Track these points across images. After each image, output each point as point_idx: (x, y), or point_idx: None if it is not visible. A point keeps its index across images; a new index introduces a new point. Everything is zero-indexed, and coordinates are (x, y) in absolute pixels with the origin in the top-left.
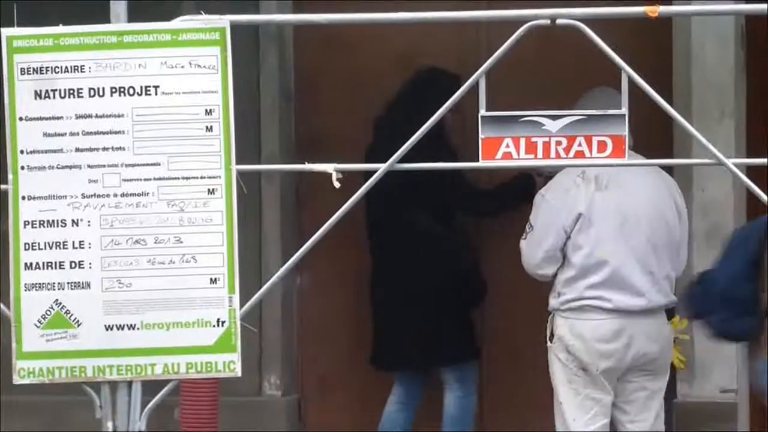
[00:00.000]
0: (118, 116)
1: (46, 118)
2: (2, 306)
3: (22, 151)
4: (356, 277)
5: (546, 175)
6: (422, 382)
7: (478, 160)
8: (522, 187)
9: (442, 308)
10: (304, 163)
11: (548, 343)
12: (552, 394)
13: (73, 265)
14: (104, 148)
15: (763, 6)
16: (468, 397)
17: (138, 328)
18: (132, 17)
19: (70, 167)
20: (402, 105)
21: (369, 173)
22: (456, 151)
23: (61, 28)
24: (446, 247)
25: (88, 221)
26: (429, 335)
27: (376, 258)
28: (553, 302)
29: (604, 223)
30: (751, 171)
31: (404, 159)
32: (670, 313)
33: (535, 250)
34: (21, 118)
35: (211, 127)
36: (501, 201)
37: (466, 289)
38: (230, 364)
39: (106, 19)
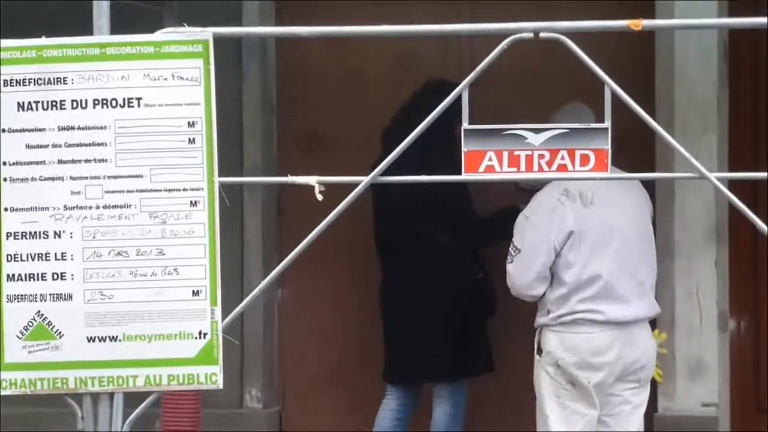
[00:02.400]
0: (101, 128)
1: (29, 130)
2: None
3: (5, 163)
4: (339, 291)
5: (528, 189)
6: (417, 395)
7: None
8: (510, 218)
9: (457, 321)
10: (287, 176)
11: (536, 357)
12: (531, 411)
13: (55, 276)
14: (87, 160)
15: (746, 20)
16: (459, 413)
17: (120, 340)
18: (114, 29)
19: (53, 179)
20: (409, 117)
21: (377, 186)
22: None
23: (43, 40)
24: (458, 260)
25: (71, 233)
26: (447, 348)
27: (387, 272)
28: (542, 319)
29: (594, 238)
30: (733, 185)
31: (412, 171)
32: (650, 325)
33: (525, 271)
34: (4, 130)
35: (194, 139)
36: (492, 230)
37: (478, 302)
38: (212, 376)
39: (89, 32)
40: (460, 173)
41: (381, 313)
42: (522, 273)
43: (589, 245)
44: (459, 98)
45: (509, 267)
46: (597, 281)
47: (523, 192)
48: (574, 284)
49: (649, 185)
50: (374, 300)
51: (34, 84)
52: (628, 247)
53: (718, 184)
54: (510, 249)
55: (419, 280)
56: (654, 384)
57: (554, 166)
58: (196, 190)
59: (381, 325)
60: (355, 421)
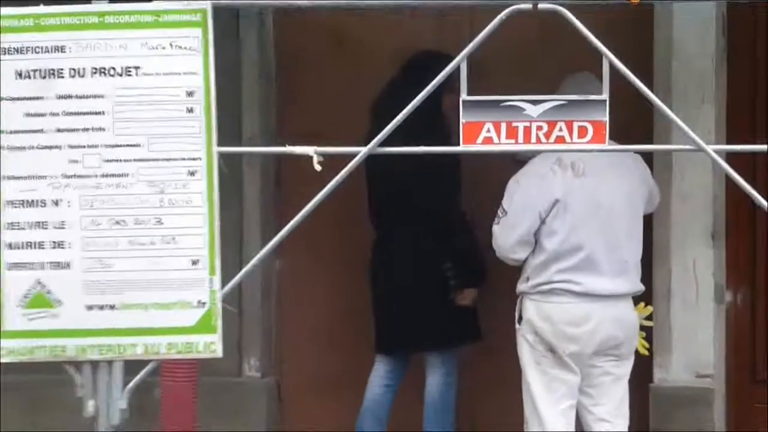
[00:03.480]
0: (99, 97)
1: (28, 98)
2: None
3: (3, 132)
4: (337, 260)
5: (524, 160)
6: (407, 364)
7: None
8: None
9: (444, 293)
10: (285, 146)
11: (516, 326)
12: (517, 380)
13: (54, 245)
14: (85, 129)
15: None
16: (451, 380)
17: (119, 309)
18: None
19: (51, 147)
20: (399, 90)
21: (369, 158)
22: (452, 137)
23: (41, 8)
24: (448, 226)
25: (69, 201)
26: (437, 318)
27: (380, 233)
28: (522, 286)
29: (580, 209)
30: (731, 158)
31: (399, 142)
32: (635, 299)
33: (508, 234)
34: (3, 99)
35: (192, 108)
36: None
37: (465, 271)
38: (211, 345)
39: (87, 0)
40: (447, 141)
41: (370, 283)
42: (505, 235)
43: (574, 216)
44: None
45: (495, 228)
46: (578, 252)
47: (520, 164)
48: (554, 253)
49: (646, 157)
50: (364, 270)
51: (33, 52)
52: (616, 223)
53: (716, 156)
54: (498, 211)
55: (406, 254)
56: (650, 355)
57: (552, 138)
58: (195, 159)
59: (370, 297)
60: (350, 388)
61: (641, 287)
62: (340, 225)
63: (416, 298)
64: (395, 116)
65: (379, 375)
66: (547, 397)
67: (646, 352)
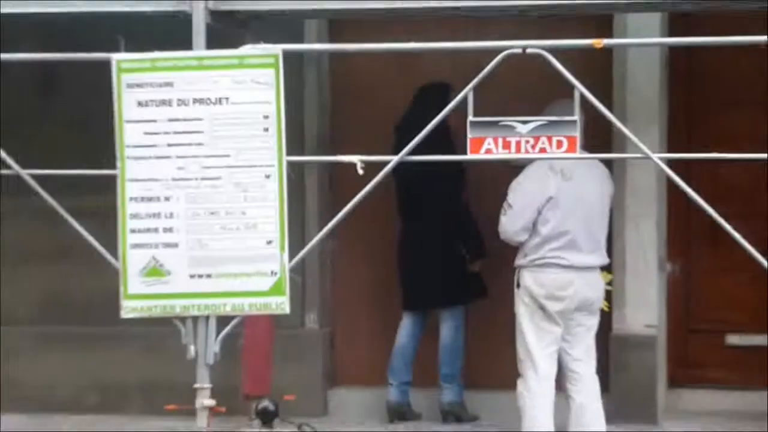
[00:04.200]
0: (198, 120)
1: (145, 121)
2: (113, 259)
3: (128, 146)
4: (375, 242)
5: (516, 165)
6: (426, 319)
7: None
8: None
9: (456, 261)
10: (337, 156)
11: (515, 290)
12: (512, 332)
13: (165, 230)
14: (188, 144)
15: (683, 39)
16: (460, 332)
17: (213, 277)
18: (209, 46)
19: (163, 158)
20: (416, 113)
21: (396, 166)
22: (456, 148)
23: (156, 54)
24: (461, 205)
25: (177, 198)
26: (447, 283)
27: (405, 221)
28: (520, 261)
29: (567, 204)
30: (671, 164)
31: (417, 154)
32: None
33: (514, 222)
34: (127, 121)
35: (267, 128)
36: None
37: (473, 246)
38: (281, 304)
39: (189, 47)
40: (453, 150)
41: (398, 258)
42: (512, 223)
43: (563, 209)
44: (450, 97)
45: (503, 218)
46: (565, 236)
47: (515, 169)
48: (547, 236)
49: (608, 163)
50: (395, 248)
51: (149, 87)
52: (591, 214)
53: (660, 162)
54: (504, 205)
55: (425, 237)
56: (610, 311)
57: (537, 149)
58: (269, 166)
59: (398, 268)
60: (384, 337)
61: (607, 260)
62: (376, 215)
63: (432, 268)
64: (413, 133)
65: (406, 327)
66: (537, 344)
67: (607, 309)
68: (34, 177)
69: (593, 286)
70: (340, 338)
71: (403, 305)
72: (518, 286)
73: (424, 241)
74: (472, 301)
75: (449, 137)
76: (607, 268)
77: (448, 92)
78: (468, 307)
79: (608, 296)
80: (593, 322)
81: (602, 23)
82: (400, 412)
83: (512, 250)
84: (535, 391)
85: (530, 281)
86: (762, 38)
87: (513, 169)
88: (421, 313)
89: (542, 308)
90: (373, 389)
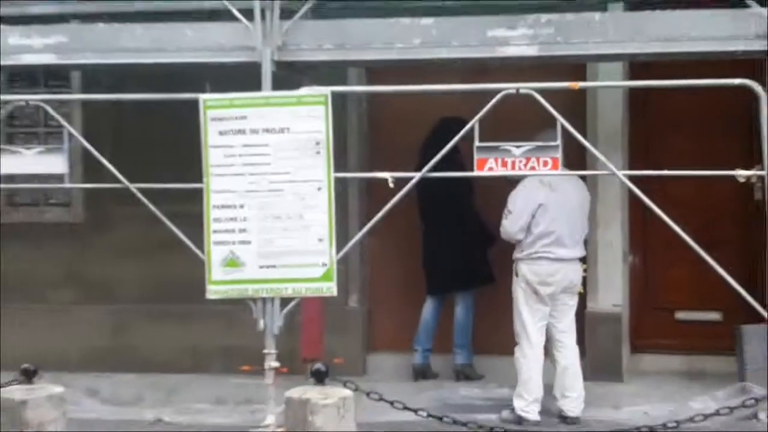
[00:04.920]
0: (266, 145)
1: (225, 146)
2: (200, 253)
3: (212, 165)
4: (403, 239)
5: (512, 180)
6: (444, 301)
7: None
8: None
9: (467, 255)
10: (373, 172)
11: (514, 278)
12: (511, 310)
13: (240, 230)
14: (258, 164)
15: (642, 82)
16: (470, 310)
17: (277, 267)
18: (275, 87)
19: (238, 174)
20: (435, 139)
21: (419, 180)
22: (464, 166)
23: (233, 94)
24: (470, 211)
25: (249, 206)
26: (461, 272)
27: (426, 224)
28: (518, 255)
29: (553, 209)
30: (632, 180)
31: (434, 170)
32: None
33: (514, 224)
34: (211, 146)
35: (319, 151)
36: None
37: (482, 240)
38: (330, 288)
39: (259, 88)
40: (462, 167)
41: (422, 253)
42: (512, 225)
43: (550, 213)
44: (459, 127)
45: (504, 222)
46: (552, 234)
47: (511, 182)
48: (538, 235)
49: (583, 178)
50: (419, 245)
51: (228, 119)
52: (572, 217)
53: (623, 178)
54: (505, 211)
55: (444, 236)
56: (585, 294)
57: (528, 167)
58: (320, 180)
59: (422, 260)
60: (411, 314)
61: (585, 253)
62: (404, 219)
63: (449, 261)
64: (432, 155)
65: (429, 308)
66: (531, 320)
67: (582, 292)
68: (140, 189)
69: (574, 273)
70: (375, 315)
71: (427, 289)
72: (516, 275)
73: (442, 239)
74: (480, 286)
75: (460, 158)
76: (582, 260)
77: (461, 124)
78: (476, 291)
79: (583, 282)
80: (574, 302)
81: (578, 70)
82: (422, 372)
83: (510, 246)
84: (529, 356)
85: (526, 270)
86: (699, 82)
87: (510, 182)
88: (440, 295)
89: (536, 292)
90: (402, 354)
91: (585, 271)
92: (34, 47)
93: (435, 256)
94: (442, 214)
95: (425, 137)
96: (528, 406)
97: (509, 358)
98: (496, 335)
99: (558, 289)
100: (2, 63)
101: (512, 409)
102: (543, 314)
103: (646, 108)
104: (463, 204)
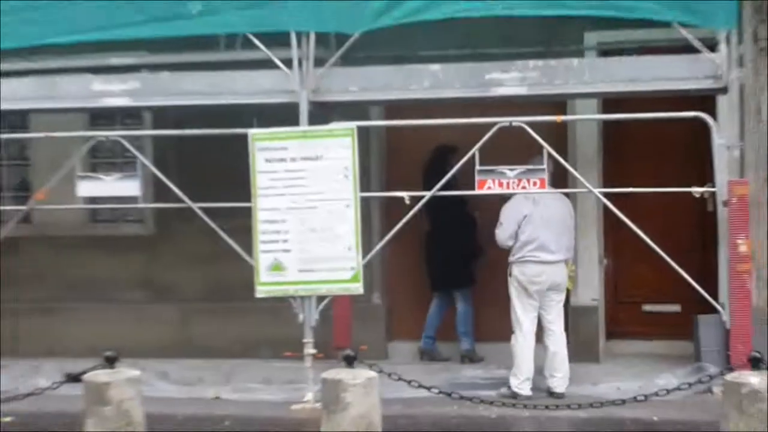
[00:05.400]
0: (303, 170)
1: (270, 172)
2: (250, 259)
3: (259, 187)
4: (416, 247)
5: (505, 197)
6: (448, 299)
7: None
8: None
9: (464, 260)
10: (391, 192)
11: (509, 278)
12: (509, 304)
13: (282, 241)
14: (297, 186)
15: (617, 115)
16: (470, 305)
17: (314, 271)
18: (311, 123)
19: (281, 195)
20: (435, 162)
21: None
22: (457, 182)
23: (276, 129)
24: (467, 221)
25: (290, 220)
26: (460, 271)
27: (432, 231)
28: (510, 258)
29: (537, 220)
30: (606, 196)
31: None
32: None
33: (504, 233)
34: (258, 171)
35: (347, 175)
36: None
37: (475, 245)
38: (357, 288)
39: (296, 123)
40: (457, 188)
41: (425, 254)
42: (502, 234)
43: (534, 223)
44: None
45: (497, 231)
46: (537, 241)
47: (502, 198)
48: (524, 241)
49: (567, 195)
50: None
51: (272, 150)
52: (554, 226)
53: (599, 194)
54: (498, 223)
55: (445, 240)
56: (568, 290)
57: (520, 187)
58: (349, 199)
59: (425, 261)
60: (423, 309)
61: (570, 256)
62: (416, 230)
63: (451, 262)
64: (435, 178)
65: (436, 303)
66: (523, 312)
67: (571, 287)
68: (200, 208)
69: (560, 274)
70: (394, 309)
71: (432, 288)
72: (510, 275)
73: (444, 248)
74: (461, 288)
75: (455, 179)
76: (571, 262)
77: (453, 150)
78: (475, 288)
79: (573, 281)
80: (561, 297)
81: (560, 106)
82: (429, 355)
83: (503, 253)
84: (522, 343)
85: (517, 272)
86: (660, 115)
87: (503, 199)
88: (444, 293)
89: (526, 289)
90: (417, 342)
91: (572, 272)
92: (113, 92)
93: (438, 257)
94: (442, 223)
95: (426, 160)
96: (521, 384)
97: (505, 344)
98: (494, 325)
99: (544, 287)
100: (87, 105)
101: (508, 387)
102: (533, 307)
103: (616, 136)
104: (460, 218)
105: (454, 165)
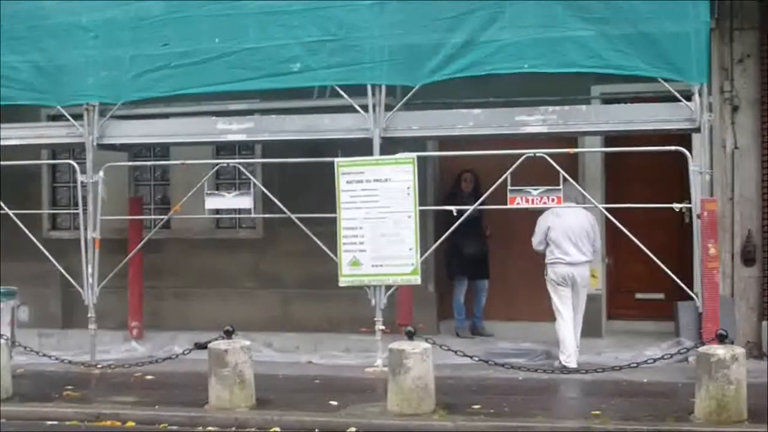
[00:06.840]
0: (375, 190)
1: (350, 190)
2: (334, 257)
3: (342, 202)
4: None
5: (540, 212)
6: (467, 286)
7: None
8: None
9: (481, 257)
10: (443, 206)
11: (545, 276)
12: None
13: (359, 243)
14: (371, 201)
15: (617, 149)
16: (484, 291)
17: (383, 266)
18: (382, 153)
19: (357, 208)
20: (458, 185)
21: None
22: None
23: (355, 158)
24: (481, 232)
25: (365, 228)
26: (479, 264)
27: (454, 238)
28: (545, 261)
29: (558, 230)
30: (609, 211)
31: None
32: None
33: (535, 239)
34: (342, 190)
35: (409, 193)
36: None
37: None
38: (416, 279)
39: (370, 153)
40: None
41: (450, 251)
42: (534, 240)
43: (556, 232)
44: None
45: (533, 239)
46: (561, 247)
47: (539, 213)
48: (552, 247)
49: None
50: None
51: (353, 173)
52: (575, 235)
53: (602, 209)
54: (533, 232)
55: (469, 241)
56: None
57: (542, 202)
58: (410, 211)
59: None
60: (449, 297)
61: (590, 258)
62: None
63: (472, 257)
64: (458, 194)
65: (461, 292)
66: (560, 301)
67: (595, 286)
68: (298, 217)
69: (584, 272)
70: (444, 296)
71: (453, 274)
72: (546, 274)
73: (468, 243)
74: (478, 279)
75: (472, 198)
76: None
77: (472, 173)
78: (491, 279)
79: (594, 279)
80: (586, 291)
81: (572, 141)
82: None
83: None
84: (563, 327)
85: (550, 271)
86: (649, 148)
87: (539, 213)
88: (461, 283)
89: (558, 284)
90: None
91: (594, 272)
92: (232, 130)
93: (462, 255)
94: (467, 228)
95: (453, 181)
96: (569, 358)
97: (511, 323)
98: (506, 307)
99: (574, 282)
100: (213, 140)
101: (560, 361)
102: (568, 297)
103: (615, 164)
104: (479, 225)
105: (465, 187)
